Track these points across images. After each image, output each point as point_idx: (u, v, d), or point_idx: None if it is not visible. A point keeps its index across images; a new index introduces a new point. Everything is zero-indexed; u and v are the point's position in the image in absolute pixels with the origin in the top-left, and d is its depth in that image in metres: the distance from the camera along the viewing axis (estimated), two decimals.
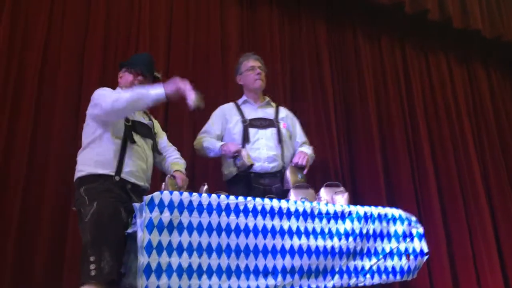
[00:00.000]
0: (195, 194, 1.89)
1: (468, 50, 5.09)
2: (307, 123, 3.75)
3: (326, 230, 2.14)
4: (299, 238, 2.05)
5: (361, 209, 2.28)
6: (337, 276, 2.10)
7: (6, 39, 2.89)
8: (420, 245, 2.38)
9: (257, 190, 2.52)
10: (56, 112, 2.93)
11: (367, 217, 2.28)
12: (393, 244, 2.33)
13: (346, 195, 2.39)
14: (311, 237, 2.08)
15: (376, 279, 2.22)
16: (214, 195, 1.94)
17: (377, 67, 4.38)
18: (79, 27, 3.17)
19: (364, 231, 2.24)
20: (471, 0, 4.73)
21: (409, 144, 4.20)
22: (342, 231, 2.18)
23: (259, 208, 2.00)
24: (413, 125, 4.31)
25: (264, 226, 1.99)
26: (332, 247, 2.12)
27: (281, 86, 3.79)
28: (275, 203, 2.06)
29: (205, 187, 2.11)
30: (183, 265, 1.75)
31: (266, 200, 2.05)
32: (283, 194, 2.50)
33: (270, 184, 2.58)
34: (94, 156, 2.08)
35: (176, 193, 1.85)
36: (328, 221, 2.17)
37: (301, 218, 2.10)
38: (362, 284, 2.17)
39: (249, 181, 2.56)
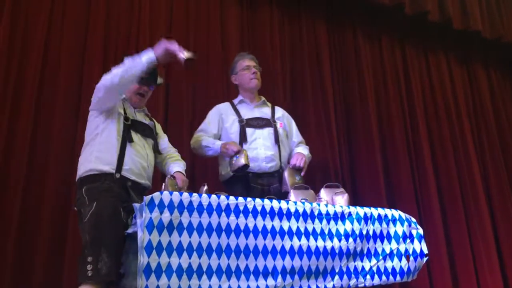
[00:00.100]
0: (195, 194, 1.89)
1: (468, 51, 5.09)
2: (307, 123, 3.76)
3: (326, 231, 2.14)
4: (299, 238, 2.05)
5: (361, 210, 2.28)
6: (337, 277, 2.10)
7: (6, 39, 2.89)
8: (420, 246, 2.38)
9: (255, 190, 2.51)
10: (56, 112, 2.93)
11: (367, 218, 2.28)
12: (393, 245, 2.33)
13: (346, 196, 2.39)
14: (311, 237, 2.08)
15: (376, 280, 2.21)
16: (214, 196, 1.93)
17: (377, 67, 4.38)
18: (79, 27, 3.17)
19: (364, 232, 2.24)
20: (471, 1, 4.74)
21: (409, 144, 4.20)
22: (342, 232, 2.18)
23: (259, 208, 2.00)
24: (413, 125, 4.31)
25: (264, 227, 1.99)
26: (332, 248, 2.12)
27: (281, 86, 3.79)
28: (275, 203, 2.06)
29: (205, 187, 2.11)
30: (183, 265, 1.75)
31: (266, 201, 2.05)
32: (281, 194, 2.50)
33: (268, 184, 2.58)
34: (95, 152, 2.09)
35: (176, 193, 1.85)
36: (328, 222, 2.17)
37: (301, 218, 2.09)
38: (362, 285, 2.17)
39: (247, 181, 2.55)
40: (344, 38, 4.34)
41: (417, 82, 4.55)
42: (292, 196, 2.33)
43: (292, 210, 2.08)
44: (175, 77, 3.40)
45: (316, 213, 2.15)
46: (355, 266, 2.18)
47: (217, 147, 2.57)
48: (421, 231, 2.43)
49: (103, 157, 2.08)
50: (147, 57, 2.03)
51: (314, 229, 2.11)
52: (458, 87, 4.80)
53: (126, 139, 2.14)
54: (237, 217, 1.94)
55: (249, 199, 2.01)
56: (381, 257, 2.27)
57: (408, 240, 2.38)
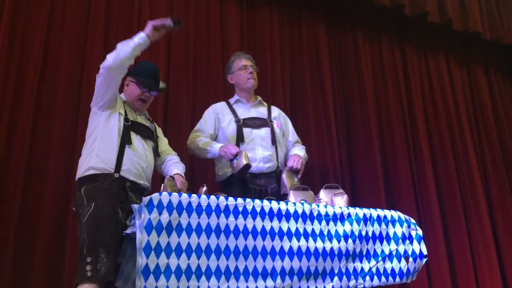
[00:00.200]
0: (194, 195, 1.89)
1: (468, 52, 5.10)
2: (306, 124, 3.77)
3: (326, 232, 2.13)
4: (298, 239, 2.04)
5: (360, 211, 2.27)
6: (336, 278, 2.10)
7: (6, 39, 2.89)
8: (420, 247, 2.37)
9: (253, 191, 2.50)
10: (56, 112, 2.93)
11: (366, 219, 2.27)
12: (393, 246, 2.32)
13: (345, 197, 2.38)
14: (310, 238, 2.08)
15: (376, 281, 2.21)
16: (213, 197, 1.93)
17: (377, 68, 4.39)
18: (79, 27, 3.18)
19: (364, 233, 2.24)
20: (471, 2, 4.74)
21: (409, 145, 4.20)
22: (341, 233, 2.17)
23: (258, 209, 2.00)
24: (413, 126, 4.32)
25: (263, 228, 1.98)
26: (332, 249, 2.11)
27: (281, 86, 3.79)
28: (274, 204, 2.05)
29: (204, 188, 2.10)
30: (182, 266, 1.75)
31: (265, 202, 2.04)
32: (278, 195, 2.50)
33: (266, 184, 2.56)
34: (96, 150, 2.10)
35: (175, 194, 1.85)
36: (328, 223, 2.16)
37: (300, 219, 2.09)
38: (361, 286, 2.16)
39: (244, 182, 2.54)
40: (344, 39, 4.34)
41: (417, 83, 4.55)
42: (292, 197, 2.33)
43: (292, 211, 2.08)
44: (175, 77, 3.40)
45: (315, 214, 2.14)
46: (354, 267, 2.17)
47: (215, 150, 2.55)
48: (420, 232, 2.43)
49: (103, 155, 2.09)
50: (137, 36, 2.12)
51: (313, 230, 2.11)
52: (458, 89, 4.80)
53: (124, 140, 2.15)
54: (236, 218, 1.93)
55: (248, 200, 2.01)
56: (380, 258, 2.26)
57: (408, 241, 2.37)
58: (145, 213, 1.75)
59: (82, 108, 2.89)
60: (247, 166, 2.40)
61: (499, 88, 5.17)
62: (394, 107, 4.27)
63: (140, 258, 1.69)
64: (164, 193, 1.83)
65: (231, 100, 2.81)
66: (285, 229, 2.03)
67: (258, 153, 2.59)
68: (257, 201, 2.02)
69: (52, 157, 2.84)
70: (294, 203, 2.13)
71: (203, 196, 1.91)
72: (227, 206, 1.93)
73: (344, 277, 2.12)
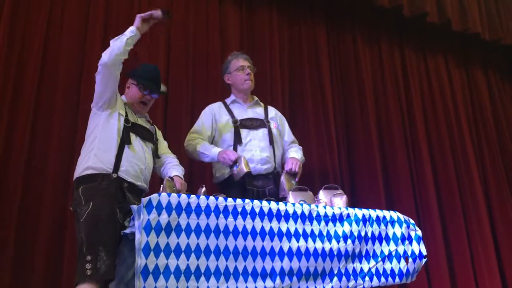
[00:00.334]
0: (193, 196, 1.89)
1: (467, 53, 5.10)
2: (306, 125, 3.77)
3: (325, 233, 2.13)
4: (298, 240, 2.04)
5: (359, 212, 2.27)
6: (335, 279, 2.10)
7: (6, 38, 2.89)
8: (419, 247, 2.37)
9: (251, 192, 2.49)
10: (56, 110, 2.94)
11: (365, 220, 2.27)
12: (392, 246, 2.32)
13: (344, 197, 2.38)
14: (310, 239, 2.08)
15: (375, 282, 2.21)
16: (212, 197, 1.93)
17: (376, 69, 4.39)
18: (79, 26, 3.18)
19: (363, 234, 2.24)
20: (470, 3, 4.74)
21: (408, 146, 4.21)
22: (340, 233, 2.17)
23: (257, 210, 2.00)
24: (412, 127, 4.32)
25: (262, 228, 1.98)
26: (331, 250, 2.11)
27: (280, 87, 3.79)
28: (273, 205, 2.05)
29: (203, 189, 2.10)
30: (181, 267, 1.75)
31: (264, 202, 2.04)
32: (276, 196, 2.49)
33: (263, 186, 2.55)
34: (95, 149, 2.11)
35: (174, 195, 1.85)
36: (327, 224, 2.16)
37: (299, 220, 2.09)
38: (361, 286, 2.16)
39: (242, 183, 2.52)
40: (343, 39, 4.34)
41: (416, 84, 4.56)
42: (291, 197, 2.33)
43: (291, 211, 2.08)
44: (174, 78, 3.40)
45: (314, 214, 2.14)
46: (353, 267, 2.17)
47: (214, 155, 2.53)
48: (419, 232, 2.43)
49: (101, 155, 2.09)
50: (128, 30, 2.16)
51: (312, 230, 2.11)
52: (457, 89, 4.80)
53: (124, 141, 2.15)
54: (235, 218, 1.93)
55: (247, 200, 2.01)
56: (379, 259, 2.26)
57: (407, 242, 2.37)
58: (144, 213, 1.75)
59: (82, 106, 2.89)
60: (248, 173, 2.39)
61: (498, 88, 5.17)
62: (394, 107, 4.27)
63: (139, 258, 1.69)
64: (163, 194, 1.83)
65: (228, 100, 2.80)
66: (284, 229, 2.03)
67: (255, 154, 2.58)
68: (256, 201, 2.02)
69: (52, 156, 2.84)
70: (294, 204, 2.13)
71: (202, 197, 1.91)
72: (226, 206, 1.93)
73: (344, 278, 2.12)
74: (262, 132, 2.67)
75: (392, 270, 2.28)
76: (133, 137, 2.20)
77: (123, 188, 2.09)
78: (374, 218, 2.31)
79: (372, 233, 2.28)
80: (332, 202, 2.37)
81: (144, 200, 1.78)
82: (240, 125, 2.65)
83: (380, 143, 4.10)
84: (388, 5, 4.17)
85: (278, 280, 1.94)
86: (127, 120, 2.21)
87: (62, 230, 2.73)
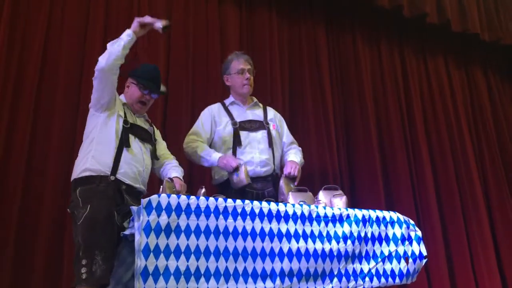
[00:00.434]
0: (192, 197, 1.88)
1: (467, 53, 5.10)
2: (306, 125, 3.77)
3: (325, 233, 2.13)
4: (297, 241, 2.04)
5: (359, 212, 2.27)
6: (336, 280, 2.10)
7: (6, 39, 2.89)
8: (419, 248, 2.37)
9: (250, 195, 2.47)
10: (56, 111, 2.94)
11: (365, 220, 2.27)
12: (392, 247, 2.32)
13: (344, 198, 2.38)
14: (310, 240, 2.07)
15: (375, 283, 2.21)
16: (211, 198, 1.93)
17: (376, 69, 4.39)
18: (79, 26, 3.18)
19: (363, 234, 2.24)
20: (470, 3, 4.74)
21: (408, 147, 4.21)
22: (340, 234, 2.17)
23: (257, 211, 2.00)
24: (412, 128, 4.32)
25: (262, 229, 1.98)
26: (331, 250, 2.11)
27: (280, 87, 3.79)
28: (273, 206, 2.05)
29: (203, 190, 2.10)
30: (181, 268, 1.75)
31: (264, 203, 2.04)
32: (275, 198, 2.47)
33: (263, 188, 2.54)
34: (93, 151, 2.10)
35: (173, 196, 1.84)
36: (327, 224, 2.16)
37: (299, 221, 2.09)
38: (361, 287, 2.16)
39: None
40: (343, 40, 4.34)
41: (416, 84, 4.56)
42: (291, 198, 2.32)
43: (290, 212, 2.08)
44: (174, 78, 3.40)
45: (314, 215, 2.14)
46: (353, 268, 2.17)
47: (214, 160, 2.51)
48: (419, 233, 2.43)
49: (99, 157, 2.08)
50: (125, 34, 2.14)
51: (312, 231, 2.11)
52: (456, 90, 4.81)
53: (123, 143, 2.14)
54: (235, 219, 1.93)
55: (247, 201, 2.00)
56: (380, 259, 2.26)
57: (407, 242, 2.37)
58: (144, 215, 1.75)
59: (82, 107, 2.89)
60: (247, 185, 2.39)
61: (498, 89, 5.18)
62: (393, 107, 4.28)
63: (139, 260, 1.69)
64: (163, 195, 1.82)
65: (226, 102, 2.78)
66: (284, 230, 2.03)
67: (255, 157, 2.57)
68: (255, 202, 2.02)
69: (52, 156, 2.84)
70: (293, 205, 2.13)
71: (202, 198, 1.90)
72: (225, 207, 1.93)
73: (344, 278, 2.12)
74: (262, 134, 2.65)
75: (392, 270, 2.28)
76: (132, 138, 2.19)
77: (121, 190, 2.08)
78: (374, 219, 2.31)
79: (372, 234, 2.28)
80: (332, 202, 2.36)
81: (144, 201, 1.78)
82: (239, 127, 2.63)
83: (380, 143, 4.10)
84: (388, 5, 4.17)
85: (278, 281, 1.94)
86: (126, 121, 2.19)
87: (62, 230, 2.73)
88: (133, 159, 2.15)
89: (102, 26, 3.23)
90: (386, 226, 2.35)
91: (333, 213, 2.20)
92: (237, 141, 2.59)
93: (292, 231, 2.05)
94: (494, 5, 5.05)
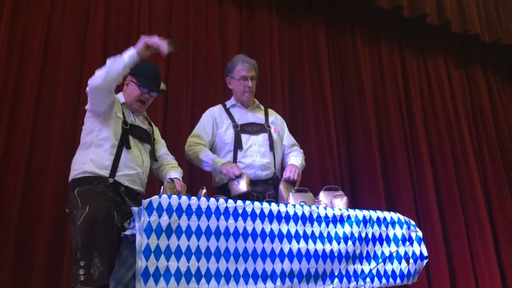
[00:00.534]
0: (193, 198, 1.88)
1: (467, 54, 5.10)
2: (306, 125, 3.77)
3: (325, 234, 2.13)
4: (298, 242, 2.04)
5: (360, 213, 2.27)
6: (336, 280, 2.10)
7: (6, 39, 2.89)
8: (420, 248, 2.37)
9: (250, 197, 2.44)
10: (56, 111, 2.94)
11: (366, 221, 2.27)
12: (393, 247, 2.32)
13: (345, 198, 2.38)
14: (310, 241, 2.07)
15: (376, 283, 2.20)
16: (212, 199, 1.93)
17: (376, 70, 4.39)
18: (79, 27, 3.18)
19: (363, 235, 2.23)
20: (470, 4, 4.75)
21: (408, 147, 4.21)
22: (341, 234, 2.17)
23: (257, 211, 1.99)
24: (412, 128, 4.33)
25: (263, 230, 1.98)
26: (331, 251, 2.11)
27: (280, 87, 3.79)
28: (274, 207, 2.05)
29: (204, 191, 2.10)
30: (182, 269, 1.74)
31: (265, 204, 2.04)
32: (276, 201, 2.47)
33: (263, 191, 2.54)
34: (90, 154, 2.08)
35: (174, 197, 1.84)
36: (327, 225, 2.16)
37: (300, 221, 2.09)
38: None
39: None
40: (343, 40, 4.35)
41: (416, 84, 4.56)
42: (291, 199, 2.32)
43: (291, 213, 2.08)
44: (174, 78, 3.40)
45: (315, 216, 2.14)
46: (354, 269, 2.17)
47: (216, 166, 2.51)
48: (420, 233, 2.42)
49: (97, 160, 2.06)
50: (128, 53, 2.05)
51: (313, 232, 2.10)
52: (456, 90, 4.81)
53: (123, 145, 2.12)
54: (235, 220, 1.93)
55: (247, 202, 2.00)
56: (380, 260, 2.26)
57: (408, 243, 2.37)
58: (145, 215, 1.74)
59: (82, 107, 2.85)
60: (246, 193, 2.38)
61: (498, 89, 5.18)
62: (393, 108, 4.28)
63: (140, 261, 1.68)
64: (164, 196, 1.82)
65: (228, 104, 2.77)
66: (284, 231, 2.03)
67: (256, 160, 2.57)
68: (256, 203, 2.02)
69: (52, 156, 2.84)
70: (294, 205, 2.13)
71: (203, 199, 1.90)
72: (226, 208, 1.93)
73: (344, 279, 2.12)
74: (263, 137, 2.65)
75: (393, 271, 2.28)
76: (131, 140, 2.17)
77: (120, 192, 2.07)
78: (375, 219, 2.31)
79: (373, 234, 2.28)
80: (333, 203, 2.36)
81: (145, 202, 1.77)
82: (240, 130, 2.63)
83: (380, 143, 4.10)
84: (388, 6, 4.18)
85: (278, 281, 1.94)
86: (125, 122, 2.18)
87: (62, 230, 2.73)
88: (132, 161, 2.14)
89: (102, 26, 3.23)
90: (386, 227, 2.35)
91: (333, 213, 2.20)
92: (238, 144, 2.58)
93: (292, 231, 2.05)
94: (494, 5, 5.05)
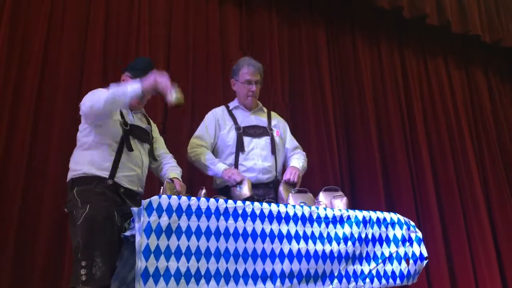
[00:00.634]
0: (193, 198, 1.88)
1: (467, 55, 5.10)
2: (306, 126, 3.78)
3: (325, 235, 2.13)
4: (298, 242, 2.04)
5: (360, 214, 2.27)
6: (336, 281, 2.10)
7: (6, 39, 2.89)
8: (420, 249, 2.37)
9: (251, 200, 2.47)
10: (56, 112, 2.94)
11: (366, 221, 2.27)
12: (393, 248, 2.32)
13: (344, 199, 2.38)
14: (310, 241, 2.07)
15: (376, 284, 2.20)
16: (212, 199, 1.93)
17: (376, 70, 4.40)
18: (79, 27, 3.18)
19: (363, 236, 2.23)
20: (470, 4, 4.75)
21: (408, 148, 4.21)
22: (341, 235, 2.17)
23: (257, 212, 1.99)
24: (412, 129, 4.33)
25: (263, 230, 1.98)
26: (331, 252, 2.11)
27: (280, 87, 3.79)
28: (274, 207, 2.05)
29: (203, 191, 2.10)
30: (181, 269, 1.74)
31: (265, 204, 2.04)
32: None
33: (264, 194, 2.52)
34: (89, 156, 2.06)
35: (174, 197, 1.84)
36: (327, 225, 2.16)
37: (299, 222, 2.09)
38: None
39: None
40: (343, 41, 4.35)
41: (416, 85, 4.57)
42: (291, 199, 2.32)
43: (291, 213, 2.08)
44: (174, 78, 3.39)
45: (315, 216, 2.14)
46: (354, 269, 2.17)
47: (218, 171, 2.49)
48: (420, 234, 2.43)
49: (96, 162, 2.05)
50: (132, 88, 2.02)
51: (313, 232, 2.11)
52: (457, 91, 4.81)
53: (123, 146, 2.11)
54: (235, 220, 1.93)
55: (247, 202, 2.00)
56: (380, 261, 2.26)
57: (408, 244, 2.37)
58: (145, 216, 1.74)
59: None
60: (249, 197, 2.37)
61: (498, 90, 5.18)
62: (393, 108, 4.28)
63: (139, 261, 1.68)
64: (164, 196, 1.82)
65: (231, 105, 2.75)
66: (284, 231, 2.03)
67: (257, 163, 2.56)
68: (256, 203, 2.02)
69: (52, 157, 2.84)
70: (294, 206, 2.13)
71: (203, 199, 1.90)
72: (226, 208, 1.93)
73: (344, 280, 2.12)
74: (265, 140, 2.64)
75: (392, 272, 2.28)
76: (131, 140, 2.15)
77: (120, 193, 2.07)
78: (375, 220, 2.31)
79: (373, 235, 2.28)
80: (332, 204, 2.36)
81: (145, 202, 1.77)
82: (243, 132, 2.61)
83: (380, 144, 4.11)
84: (388, 6, 4.18)
85: (278, 282, 1.94)
86: (125, 123, 2.16)
87: (62, 230, 2.72)
88: (131, 162, 2.13)
89: (102, 26, 3.23)
90: (386, 227, 2.35)
91: (333, 214, 2.20)
92: (240, 147, 2.57)
93: (292, 232, 2.05)
94: (494, 5, 5.05)
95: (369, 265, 2.22)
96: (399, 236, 2.35)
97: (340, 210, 2.25)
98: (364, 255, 2.22)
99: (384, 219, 2.36)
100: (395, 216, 2.41)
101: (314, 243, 2.08)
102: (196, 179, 3.10)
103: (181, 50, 3.50)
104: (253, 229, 1.95)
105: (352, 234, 2.20)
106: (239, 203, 1.97)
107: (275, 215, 2.03)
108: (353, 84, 4.19)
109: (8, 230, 2.62)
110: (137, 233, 1.73)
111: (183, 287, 1.73)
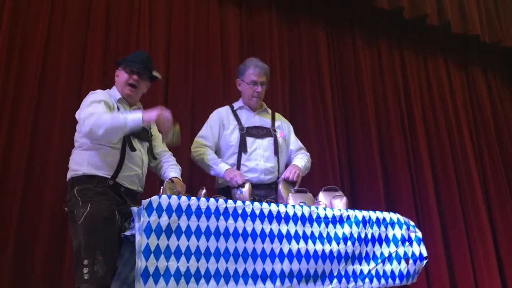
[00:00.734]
0: (193, 198, 1.89)
1: (467, 55, 5.10)
2: (306, 126, 3.78)
3: (325, 234, 2.14)
4: (298, 242, 2.05)
5: (359, 213, 2.27)
6: (335, 281, 2.10)
7: (6, 39, 2.89)
8: (419, 249, 2.38)
9: (251, 201, 2.47)
10: (56, 111, 2.94)
11: (365, 221, 2.27)
12: (392, 248, 2.32)
13: (344, 199, 2.38)
14: (310, 241, 2.08)
15: (375, 284, 2.21)
16: (212, 199, 1.93)
17: (375, 71, 4.40)
18: (79, 27, 3.17)
19: (363, 235, 2.24)
20: (470, 5, 4.75)
21: (408, 147, 4.22)
22: (340, 235, 2.18)
23: (257, 212, 2.00)
24: (412, 128, 4.33)
25: (263, 230, 1.98)
26: (331, 251, 2.12)
27: (280, 87, 3.79)
28: (274, 207, 2.06)
29: (204, 191, 2.10)
30: (181, 269, 1.75)
31: (265, 204, 2.04)
32: None
33: (266, 195, 2.53)
34: (89, 156, 2.06)
35: (174, 197, 1.84)
36: (327, 225, 2.16)
37: (299, 222, 2.09)
38: None
39: None
40: (343, 41, 4.35)
41: (416, 85, 4.57)
42: (291, 199, 2.32)
43: (291, 213, 2.08)
44: (174, 77, 3.40)
45: (314, 216, 2.14)
46: (354, 269, 2.17)
47: (220, 171, 2.50)
48: (420, 234, 2.43)
49: (96, 162, 2.05)
50: (133, 119, 2.02)
51: (312, 232, 2.11)
52: (456, 91, 4.82)
53: (125, 147, 2.10)
54: (235, 220, 1.93)
55: (247, 202, 2.01)
56: (380, 261, 2.26)
57: (407, 243, 2.37)
58: (145, 216, 1.75)
59: None
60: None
61: (498, 90, 5.19)
62: (393, 109, 4.28)
63: (139, 261, 1.69)
64: (164, 196, 1.82)
65: (235, 105, 2.75)
66: (284, 231, 2.03)
67: (260, 164, 2.56)
68: (256, 203, 2.02)
69: (52, 156, 2.84)
70: (293, 206, 2.14)
71: (203, 199, 1.91)
72: (226, 208, 1.93)
73: (344, 280, 2.12)
74: (268, 141, 2.64)
75: (392, 271, 2.28)
76: (133, 141, 2.15)
77: (120, 193, 2.07)
78: (374, 220, 2.31)
79: (372, 235, 2.28)
80: (332, 203, 2.36)
81: (145, 202, 1.78)
82: (246, 133, 2.62)
83: (379, 144, 4.11)
84: (388, 6, 4.18)
85: (278, 282, 1.94)
86: None
87: (62, 230, 2.72)
88: (132, 162, 2.13)
89: (102, 26, 3.22)
90: (386, 227, 2.35)
91: (333, 214, 2.20)
92: (243, 147, 2.58)
93: (292, 232, 2.05)
94: (494, 6, 5.06)
95: (368, 265, 2.22)
96: (398, 236, 2.36)
97: (340, 210, 2.25)
98: (363, 255, 2.23)
99: (384, 219, 2.36)
100: (394, 216, 2.42)
101: (314, 243, 2.08)
102: (196, 179, 3.11)
103: (181, 50, 3.50)
104: (253, 229, 1.96)
105: (351, 234, 2.20)
106: (239, 203, 1.98)
107: (274, 215, 2.04)
108: (353, 84, 4.19)
109: (8, 230, 2.62)
110: (137, 233, 1.74)
111: (183, 286, 1.73)
